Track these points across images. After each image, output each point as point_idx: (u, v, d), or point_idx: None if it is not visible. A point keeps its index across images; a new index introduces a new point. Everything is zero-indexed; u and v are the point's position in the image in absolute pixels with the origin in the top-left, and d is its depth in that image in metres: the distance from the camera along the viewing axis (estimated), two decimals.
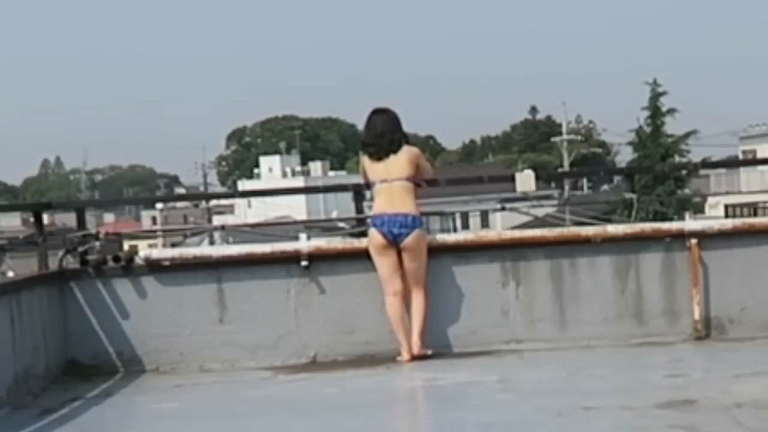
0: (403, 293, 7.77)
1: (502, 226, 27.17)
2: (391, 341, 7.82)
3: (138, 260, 8.06)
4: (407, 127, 8.08)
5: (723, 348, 7.71)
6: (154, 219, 74.03)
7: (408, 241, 7.72)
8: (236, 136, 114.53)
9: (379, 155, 7.89)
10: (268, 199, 40.67)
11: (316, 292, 8.03)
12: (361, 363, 7.78)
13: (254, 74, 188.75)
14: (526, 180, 8.64)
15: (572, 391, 6.48)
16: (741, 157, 53.69)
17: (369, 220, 7.99)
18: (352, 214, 9.07)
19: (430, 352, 7.79)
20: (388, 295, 7.79)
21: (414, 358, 7.69)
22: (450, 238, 8.51)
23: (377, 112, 8.08)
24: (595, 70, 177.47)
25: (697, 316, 7.97)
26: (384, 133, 7.93)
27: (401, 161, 7.86)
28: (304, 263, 7.97)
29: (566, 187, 47.69)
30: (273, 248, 8.09)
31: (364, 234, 8.43)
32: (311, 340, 8.01)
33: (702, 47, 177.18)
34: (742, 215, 33.35)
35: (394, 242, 7.73)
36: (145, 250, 8.16)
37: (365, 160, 8.02)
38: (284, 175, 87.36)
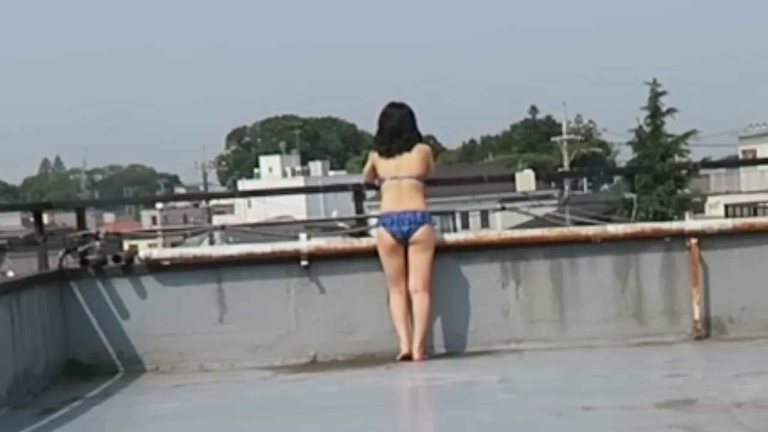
0: (408, 293, 7.77)
1: (502, 226, 27.19)
2: (391, 341, 7.82)
3: (138, 260, 8.05)
4: None
5: (723, 348, 7.71)
6: (154, 219, 74.00)
7: (416, 235, 7.71)
8: (236, 135, 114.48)
9: (390, 152, 7.85)
10: (268, 199, 40.67)
11: (316, 292, 8.03)
12: (361, 363, 7.78)
13: (254, 74, 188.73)
14: (526, 180, 8.64)
15: (572, 391, 6.48)
16: (741, 157, 53.69)
17: (377, 219, 7.96)
18: (352, 214, 9.06)
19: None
20: (394, 293, 7.79)
21: (411, 357, 7.68)
22: (450, 237, 8.52)
23: (393, 107, 8.02)
24: (595, 70, 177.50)
25: (697, 315, 7.97)
26: (400, 131, 7.89)
27: (413, 159, 7.84)
28: (304, 263, 7.97)
29: (566, 187, 47.69)
30: (273, 248, 8.09)
31: (364, 234, 8.44)
32: (311, 340, 8.01)
33: (702, 47, 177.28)
34: (742, 215, 33.39)
35: (403, 240, 7.72)
36: (145, 250, 8.16)
37: (374, 156, 7.98)
38: (284, 175, 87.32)
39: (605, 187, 67.83)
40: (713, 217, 25.50)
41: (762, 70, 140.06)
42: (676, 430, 5.18)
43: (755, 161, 32.95)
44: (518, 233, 8.49)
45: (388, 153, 7.86)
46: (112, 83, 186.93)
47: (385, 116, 7.98)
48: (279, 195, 12.79)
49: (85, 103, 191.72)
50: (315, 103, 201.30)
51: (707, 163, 20.81)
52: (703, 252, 8.01)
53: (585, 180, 73.78)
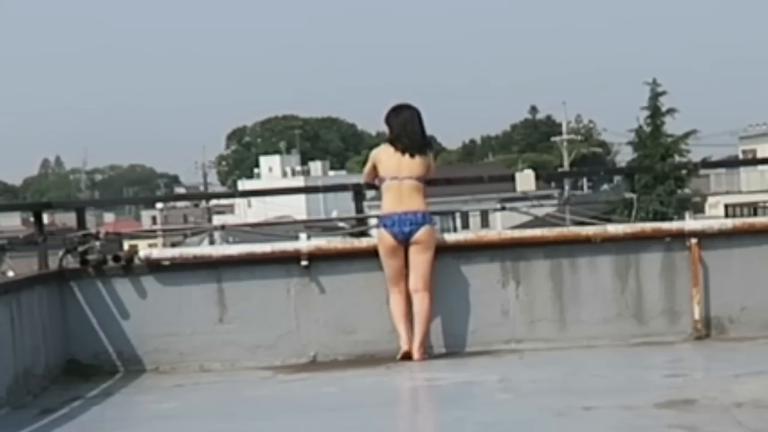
0: (408, 293, 7.77)
1: (502, 226, 27.17)
2: (391, 341, 7.82)
3: (138, 260, 8.05)
4: None
5: (723, 348, 7.71)
6: (154, 219, 74.00)
7: (417, 235, 7.71)
8: (236, 135, 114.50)
9: (403, 151, 7.82)
10: (268, 199, 40.67)
11: (316, 291, 8.03)
12: (361, 363, 7.78)
13: (254, 74, 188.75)
14: (526, 180, 8.64)
15: (572, 391, 6.48)
16: (741, 157, 53.69)
17: (378, 220, 7.95)
18: (352, 214, 9.06)
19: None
20: (393, 293, 7.79)
21: (411, 356, 7.67)
22: (450, 237, 8.51)
23: (410, 109, 8.00)
24: (595, 70, 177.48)
25: (697, 315, 7.97)
26: (423, 133, 7.91)
27: (416, 161, 7.84)
28: (304, 263, 7.97)
29: (566, 187, 47.69)
30: (273, 248, 8.09)
31: (364, 234, 8.44)
32: (311, 340, 8.01)
33: (702, 47, 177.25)
34: (742, 215, 33.41)
35: (404, 241, 7.72)
36: (145, 250, 8.16)
37: (379, 155, 7.96)
38: (284, 174, 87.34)
39: (605, 187, 67.85)
40: (713, 217, 25.51)
41: (762, 70, 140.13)
42: (676, 430, 5.18)
43: (755, 161, 32.97)
44: (518, 233, 8.48)
45: (402, 150, 7.83)
46: (112, 83, 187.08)
47: (402, 117, 7.91)
48: (279, 195, 12.80)
49: (85, 103, 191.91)
50: (315, 103, 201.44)
51: (707, 163, 20.86)
52: (703, 252, 8.01)
53: (585, 180, 73.77)
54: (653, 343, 7.89)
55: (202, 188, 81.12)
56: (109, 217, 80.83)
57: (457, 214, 27.72)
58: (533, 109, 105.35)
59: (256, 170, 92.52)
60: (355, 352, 7.96)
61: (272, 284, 8.05)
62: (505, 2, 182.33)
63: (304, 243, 8.02)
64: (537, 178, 8.74)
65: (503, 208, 10.40)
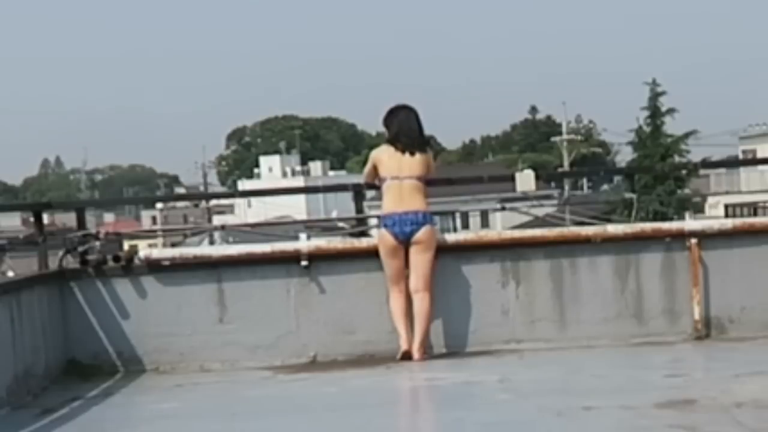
0: (408, 293, 7.77)
1: (502, 226, 27.20)
2: (391, 341, 7.82)
3: (138, 260, 8.05)
4: None
5: (723, 348, 7.72)
6: (154, 219, 74.01)
7: (418, 235, 7.72)
8: (236, 136, 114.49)
9: (404, 149, 7.84)
10: (268, 199, 40.64)
11: (316, 292, 8.03)
12: (361, 363, 7.78)
13: (254, 74, 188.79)
14: (526, 180, 8.64)
15: (572, 391, 6.48)
16: (741, 157, 53.70)
17: (379, 220, 7.95)
18: (352, 214, 9.06)
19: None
20: (393, 292, 7.80)
21: (411, 356, 7.67)
22: (450, 237, 8.51)
23: (406, 108, 8.04)
24: (595, 70, 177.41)
25: (697, 315, 7.97)
26: (421, 131, 7.93)
27: (416, 160, 7.85)
28: (304, 263, 7.97)
29: (566, 187, 47.71)
30: (273, 248, 8.09)
31: (364, 234, 8.44)
32: (311, 340, 8.01)
33: (702, 47, 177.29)
34: (742, 215, 33.41)
35: (405, 241, 7.72)
36: (145, 250, 8.16)
37: (380, 155, 7.97)
38: (284, 175, 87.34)
39: (605, 187, 67.86)
40: (713, 217, 25.52)
41: (762, 71, 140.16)
42: (676, 430, 5.18)
43: (755, 161, 33.00)
44: (518, 233, 8.49)
45: (401, 149, 7.84)
46: (112, 83, 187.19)
47: (400, 116, 7.96)
48: (279, 195, 12.81)
49: (85, 103, 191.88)
50: (315, 103, 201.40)
51: (707, 163, 20.86)
52: (703, 252, 8.01)
53: (585, 180, 73.83)
54: (653, 343, 7.89)
55: (202, 188, 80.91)
56: (109, 217, 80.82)
57: (457, 214, 27.77)
58: (533, 109, 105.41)
59: (256, 170, 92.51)
60: (355, 352, 7.96)
61: (272, 284, 8.05)
62: (505, 2, 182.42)
63: (304, 243, 8.02)
64: (537, 178, 8.75)
65: (503, 208, 10.42)
